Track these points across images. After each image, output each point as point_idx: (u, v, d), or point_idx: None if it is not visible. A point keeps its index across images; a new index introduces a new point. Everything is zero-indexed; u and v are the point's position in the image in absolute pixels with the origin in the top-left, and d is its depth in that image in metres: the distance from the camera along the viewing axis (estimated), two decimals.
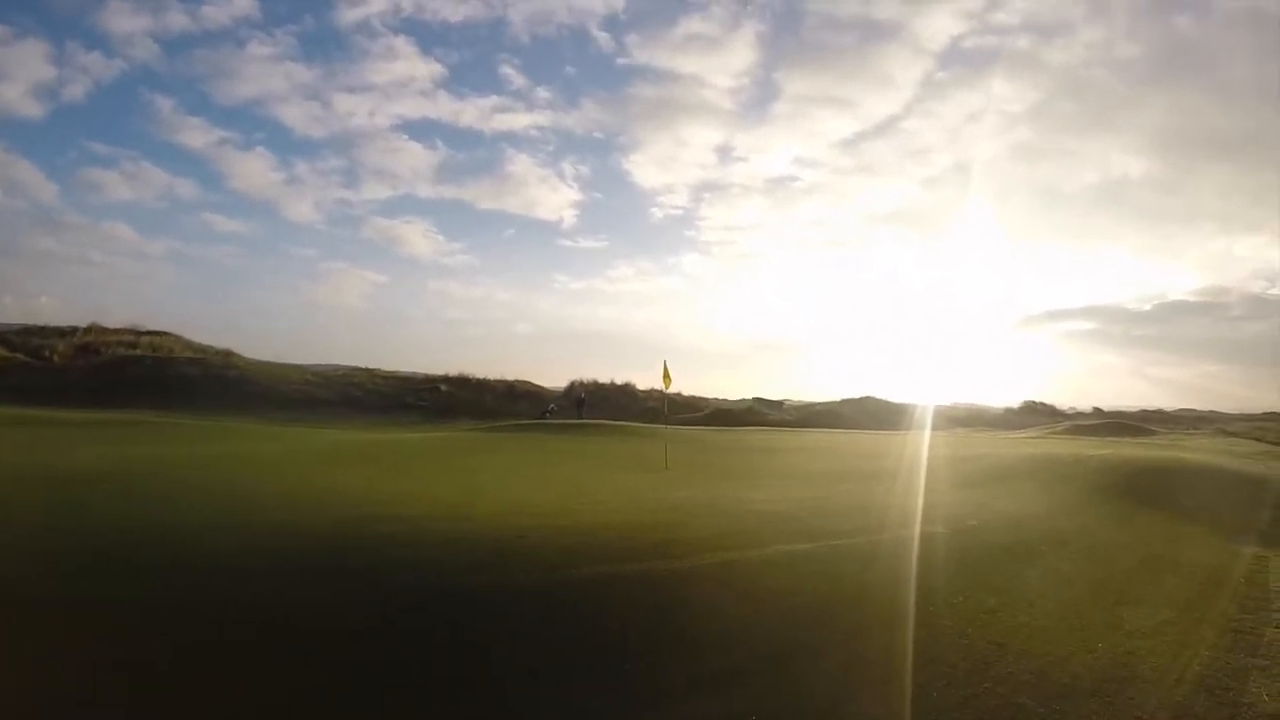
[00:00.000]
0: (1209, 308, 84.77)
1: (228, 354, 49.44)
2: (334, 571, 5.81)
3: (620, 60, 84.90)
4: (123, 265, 75.95)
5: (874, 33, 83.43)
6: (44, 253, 73.31)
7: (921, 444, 21.56)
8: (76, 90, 68.74)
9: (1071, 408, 55.72)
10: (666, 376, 16.31)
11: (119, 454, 13.35)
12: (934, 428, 41.49)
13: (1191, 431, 42.01)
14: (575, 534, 7.09)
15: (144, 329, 51.13)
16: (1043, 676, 4.46)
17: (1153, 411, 56.97)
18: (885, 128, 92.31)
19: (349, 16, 75.11)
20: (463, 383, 46.97)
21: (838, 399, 53.04)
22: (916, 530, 7.88)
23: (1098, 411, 54.22)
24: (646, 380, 49.12)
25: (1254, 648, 5.12)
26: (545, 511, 8.46)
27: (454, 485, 10.67)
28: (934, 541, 7.50)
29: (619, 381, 48.31)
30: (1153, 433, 40.43)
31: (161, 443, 16.89)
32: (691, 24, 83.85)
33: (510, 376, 48.29)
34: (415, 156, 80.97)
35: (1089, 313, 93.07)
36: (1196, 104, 73.53)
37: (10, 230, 72.74)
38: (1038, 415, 52.71)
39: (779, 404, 52.79)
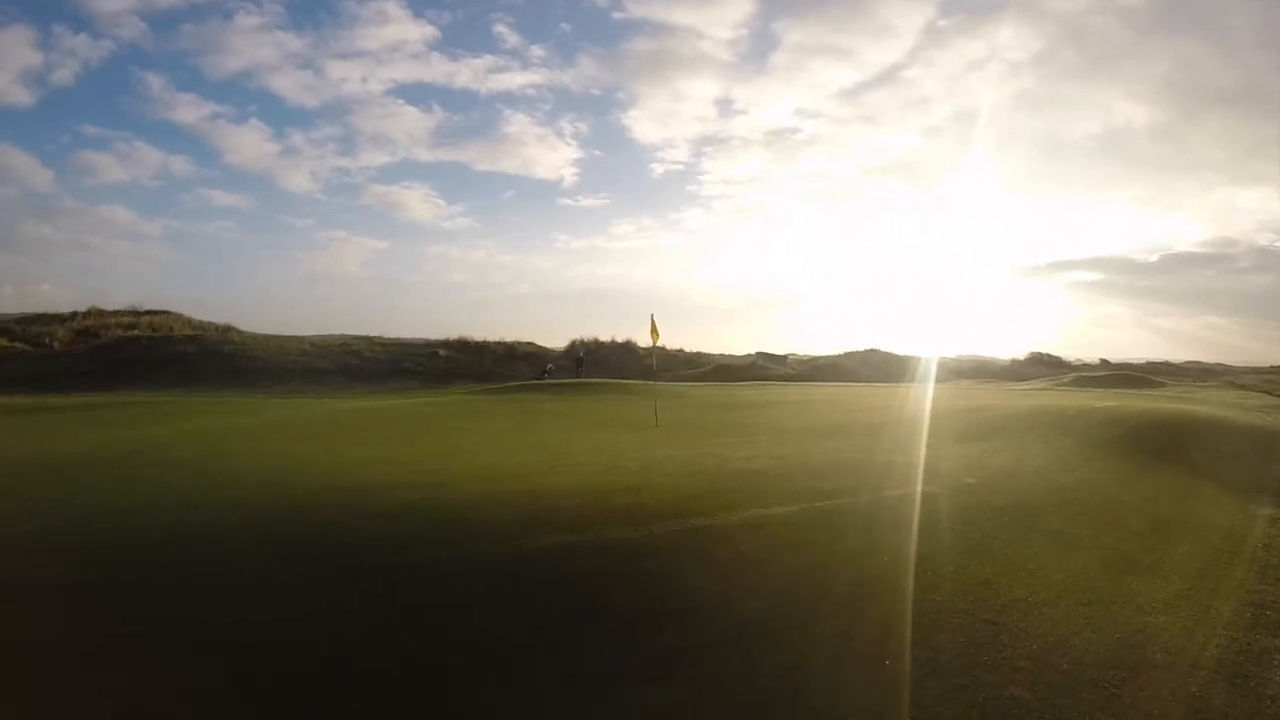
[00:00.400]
0: (1215, 259, 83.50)
1: (226, 329, 49.15)
2: (291, 548, 5.42)
3: (616, 15, 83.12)
4: (121, 247, 75.89)
5: None
6: (42, 240, 73.42)
7: (923, 396, 21.06)
8: (65, 74, 68.21)
9: (1077, 359, 55.09)
10: (654, 330, 15.70)
11: (100, 436, 12.76)
12: (938, 380, 40.96)
13: (1199, 384, 41.38)
14: (542, 499, 6.64)
15: (143, 309, 51.01)
16: (1040, 662, 3.97)
17: (1159, 363, 56.23)
18: (886, 77, 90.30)
19: None
20: (462, 346, 46.55)
21: (841, 352, 52.47)
22: (912, 490, 7.37)
23: (1104, 363, 53.64)
24: (646, 337, 48.28)
25: (1277, 626, 4.61)
26: (518, 474, 8.01)
27: (432, 450, 10.24)
28: (928, 503, 6.97)
29: (619, 339, 47.69)
30: (1160, 384, 39.84)
31: (148, 422, 16.42)
32: None
33: (511, 339, 47.88)
34: (411, 120, 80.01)
35: (1094, 264, 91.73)
36: (1200, 53, 71.60)
37: (6, 219, 72.99)
38: (1043, 367, 52.10)
39: (783, 358, 52.27)
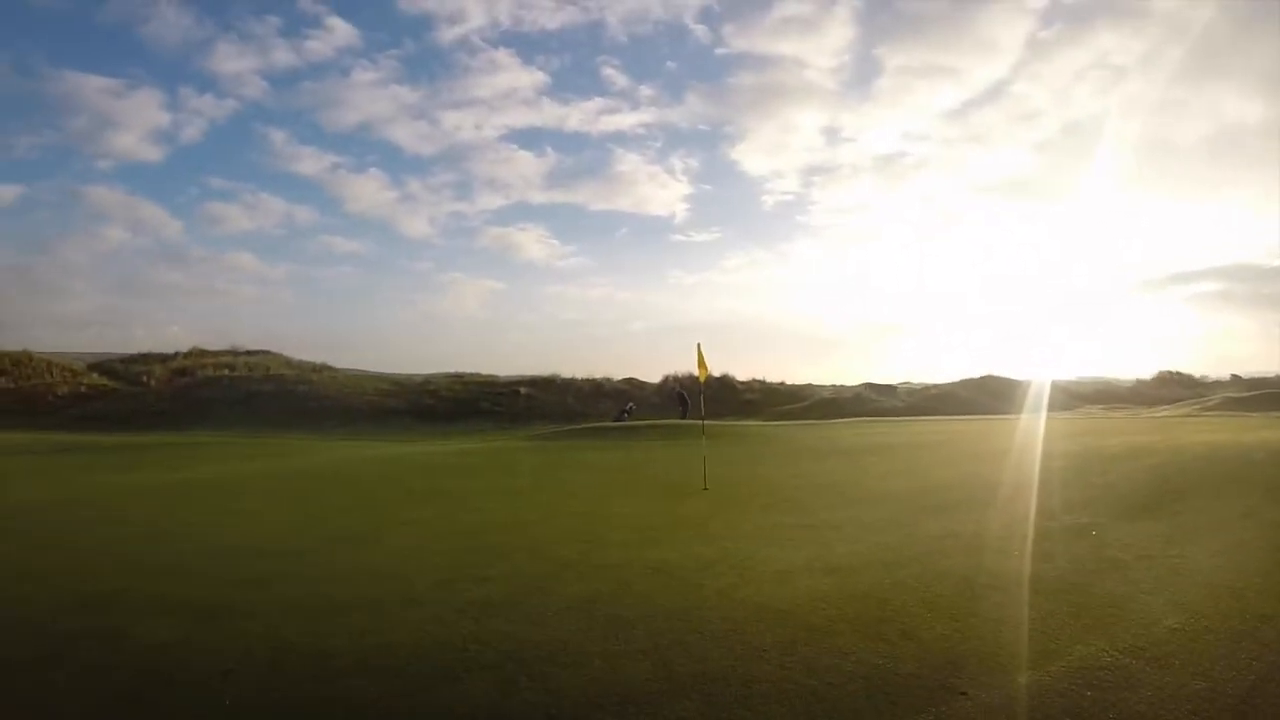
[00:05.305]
0: None
1: (319, 368, 48.78)
2: None
3: (719, 50, 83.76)
4: (247, 291, 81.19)
5: None
6: (171, 285, 79.78)
7: (1053, 434, 16.81)
8: (193, 131, 74.30)
9: (1204, 375, 47.99)
10: (702, 364, 12.18)
11: (82, 482, 12.51)
12: (1063, 407, 36.01)
13: None
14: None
15: (243, 350, 51.56)
16: None
17: None
18: (992, 93, 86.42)
19: (448, 35, 77.39)
20: (547, 384, 43.93)
21: (955, 379, 47.30)
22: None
23: (1235, 379, 46.27)
24: (746, 370, 45.39)
25: None
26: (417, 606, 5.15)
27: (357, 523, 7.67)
28: None
29: (717, 374, 43.76)
30: None
31: (155, 467, 15.47)
32: (786, 6, 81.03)
33: (604, 375, 45.09)
34: (525, 164, 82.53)
35: (1214, 273, 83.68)
36: None
37: (138, 266, 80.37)
38: (1175, 386, 45.06)
39: (892, 389, 47.12)
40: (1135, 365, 55.98)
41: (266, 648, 4.31)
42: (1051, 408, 33.67)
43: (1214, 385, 45.14)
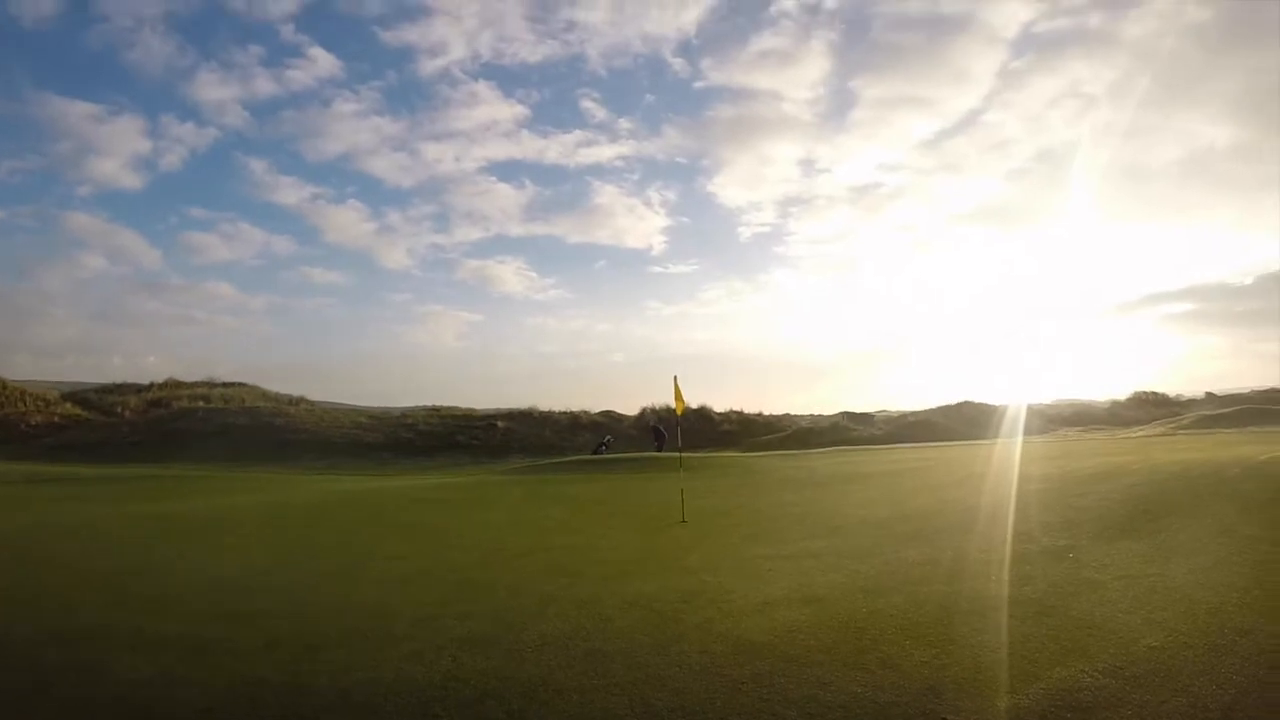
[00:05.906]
0: None
1: (299, 401, 48.30)
2: None
3: (697, 84, 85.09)
4: (225, 322, 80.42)
5: (944, 27, 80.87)
6: (149, 314, 78.97)
7: (1030, 458, 16.96)
8: (173, 159, 74.05)
9: (1178, 395, 48.67)
10: (679, 397, 12.15)
11: (61, 513, 12.56)
12: (1039, 431, 36.45)
13: None
14: None
15: (219, 381, 51.06)
16: None
17: (1266, 391, 48.04)
18: (966, 123, 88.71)
19: (430, 67, 78.19)
20: (524, 417, 43.68)
21: (933, 406, 47.55)
22: None
23: (1210, 397, 46.94)
24: (724, 401, 45.29)
25: None
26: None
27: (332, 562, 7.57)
28: None
29: (695, 405, 43.73)
30: None
31: (135, 499, 15.31)
32: (763, 40, 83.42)
33: (583, 408, 44.84)
34: (504, 197, 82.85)
35: (1187, 293, 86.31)
36: (1275, 64, 66.29)
37: (116, 295, 79.25)
38: (1149, 407, 45.63)
39: (869, 417, 47.30)
40: (1110, 387, 56.86)
41: (247, 684, 4.25)
42: (1028, 432, 34.09)
43: (1189, 404, 45.80)
